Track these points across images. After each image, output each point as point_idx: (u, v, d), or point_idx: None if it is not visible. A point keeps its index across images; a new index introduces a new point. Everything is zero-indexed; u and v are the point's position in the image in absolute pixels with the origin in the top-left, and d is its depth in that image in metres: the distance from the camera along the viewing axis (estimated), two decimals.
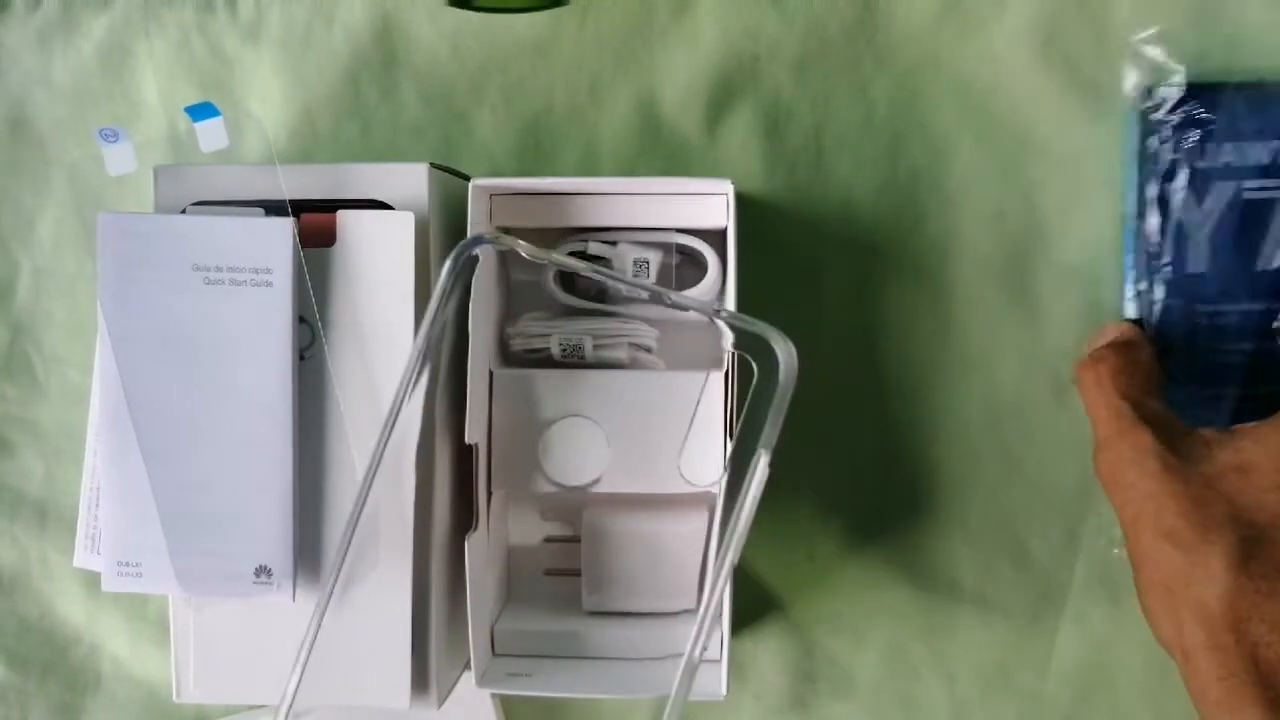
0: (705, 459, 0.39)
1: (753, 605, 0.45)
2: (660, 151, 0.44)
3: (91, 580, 0.46)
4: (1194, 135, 0.41)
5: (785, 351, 0.33)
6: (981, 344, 0.44)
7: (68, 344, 0.46)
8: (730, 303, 0.39)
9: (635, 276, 0.42)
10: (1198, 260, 0.42)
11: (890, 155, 0.44)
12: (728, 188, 0.39)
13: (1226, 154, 0.41)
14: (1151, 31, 0.42)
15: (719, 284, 0.42)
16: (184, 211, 0.38)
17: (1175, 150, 0.41)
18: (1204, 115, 0.41)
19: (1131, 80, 0.42)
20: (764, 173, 0.44)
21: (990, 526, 0.45)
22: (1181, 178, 0.41)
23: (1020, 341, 0.44)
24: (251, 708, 0.46)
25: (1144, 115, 0.42)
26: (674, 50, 0.44)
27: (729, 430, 0.39)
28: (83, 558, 0.42)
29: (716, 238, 0.41)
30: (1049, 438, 0.44)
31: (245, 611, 0.38)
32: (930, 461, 0.45)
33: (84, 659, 0.47)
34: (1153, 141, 0.41)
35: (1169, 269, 0.42)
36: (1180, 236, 0.41)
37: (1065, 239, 0.44)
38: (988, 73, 0.43)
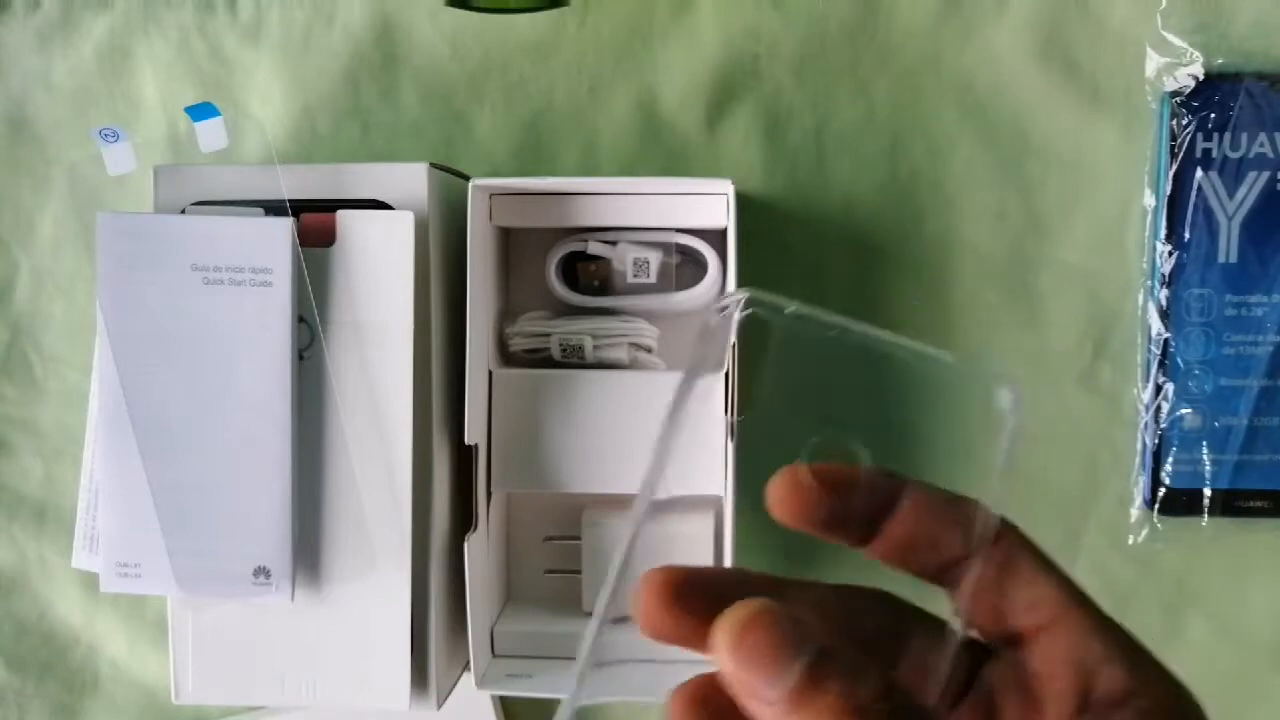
0: (706, 461, 0.39)
1: None
2: (660, 151, 0.44)
3: (90, 581, 0.46)
4: (1223, 124, 0.41)
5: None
6: (981, 344, 0.44)
7: (66, 344, 0.46)
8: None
9: (635, 277, 0.42)
10: (1228, 250, 0.42)
11: (890, 155, 0.44)
12: (728, 188, 0.39)
13: (1261, 144, 0.41)
14: (1172, 18, 0.42)
15: (719, 284, 0.41)
16: (184, 211, 0.38)
17: (1206, 139, 0.41)
18: (1230, 104, 0.41)
19: (1154, 65, 0.42)
20: (764, 173, 0.44)
21: None
22: (1213, 167, 0.41)
23: (1020, 340, 0.44)
24: (250, 709, 0.46)
25: (1171, 101, 0.42)
26: (674, 50, 0.44)
27: (730, 431, 0.39)
28: (81, 558, 0.42)
29: (716, 237, 0.41)
30: (1049, 436, 0.44)
31: (244, 612, 0.38)
32: (930, 461, 0.44)
33: (82, 660, 0.47)
34: (1178, 128, 0.41)
35: (1196, 258, 0.42)
36: (1210, 226, 0.41)
37: (1065, 239, 0.44)
38: (988, 73, 0.43)
